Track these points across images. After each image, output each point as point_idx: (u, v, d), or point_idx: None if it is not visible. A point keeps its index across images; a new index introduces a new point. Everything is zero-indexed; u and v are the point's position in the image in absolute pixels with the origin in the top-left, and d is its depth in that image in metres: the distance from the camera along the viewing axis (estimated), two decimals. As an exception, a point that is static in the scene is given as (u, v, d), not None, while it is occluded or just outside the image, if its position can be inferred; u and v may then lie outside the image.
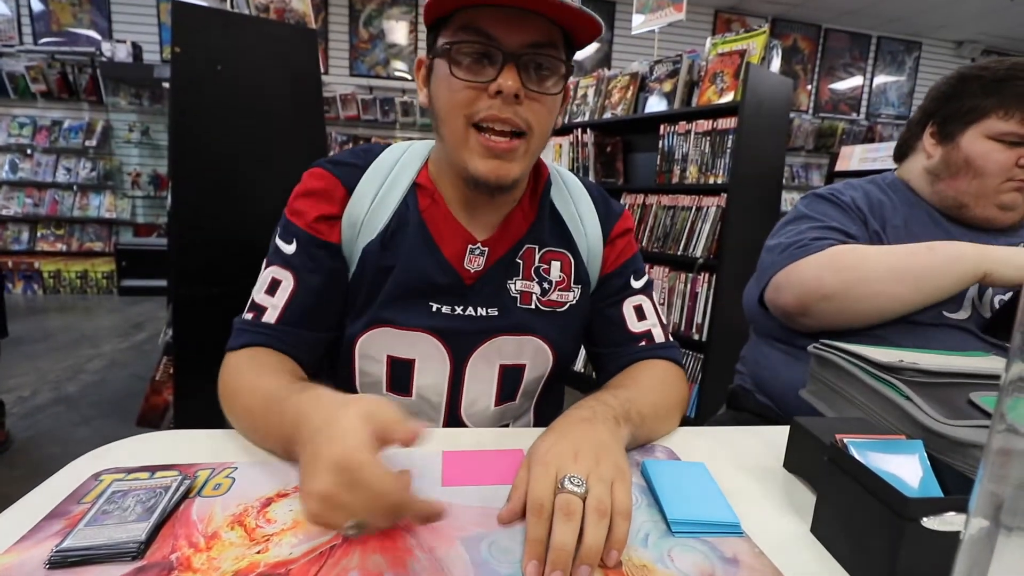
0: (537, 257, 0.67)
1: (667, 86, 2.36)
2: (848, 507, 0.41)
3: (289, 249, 0.62)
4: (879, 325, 0.78)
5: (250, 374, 0.57)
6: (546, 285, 0.67)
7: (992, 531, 0.20)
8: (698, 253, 2.18)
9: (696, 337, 2.24)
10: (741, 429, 0.66)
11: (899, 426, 0.52)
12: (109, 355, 3.00)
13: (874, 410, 0.56)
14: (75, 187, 4.41)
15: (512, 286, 0.66)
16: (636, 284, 0.72)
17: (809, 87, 5.72)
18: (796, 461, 0.55)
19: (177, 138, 1.68)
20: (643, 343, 0.70)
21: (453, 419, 0.68)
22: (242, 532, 0.40)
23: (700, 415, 2.22)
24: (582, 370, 2.63)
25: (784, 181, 4.07)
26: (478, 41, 0.54)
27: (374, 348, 0.64)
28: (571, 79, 0.63)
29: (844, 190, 0.91)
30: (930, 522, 0.35)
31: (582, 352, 0.77)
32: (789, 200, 5.53)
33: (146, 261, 4.35)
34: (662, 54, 2.50)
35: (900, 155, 0.97)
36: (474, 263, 0.64)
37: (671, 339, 0.72)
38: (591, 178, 2.58)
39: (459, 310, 0.64)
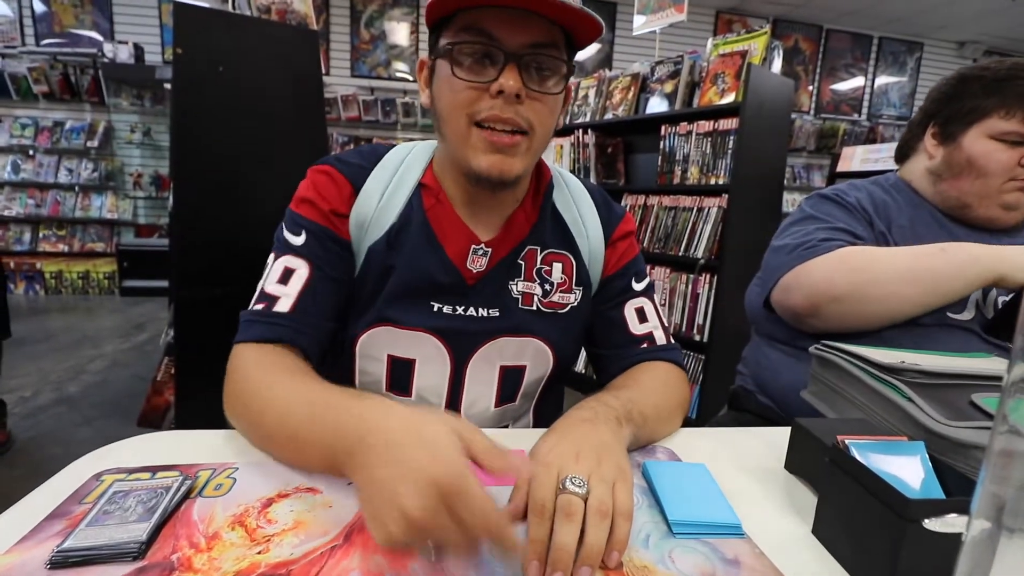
0: (539, 258, 0.67)
1: (668, 87, 2.36)
2: (849, 508, 0.41)
3: (299, 240, 0.61)
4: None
5: (270, 375, 0.53)
6: (548, 287, 0.67)
7: (994, 533, 0.20)
8: (699, 254, 2.18)
9: (697, 338, 2.24)
10: (742, 430, 0.66)
11: (900, 427, 0.52)
12: (111, 355, 3.01)
13: (875, 411, 0.55)
14: (77, 188, 4.42)
15: (514, 287, 0.66)
16: (637, 286, 0.72)
17: (810, 88, 5.72)
18: (797, 462, 0.55)
19: (179, 139, 1.69)
20: (644, 345, 0.70)
21: None
22: (243, 532, 0.40)
23: (701, 416, 2.22)
24: (582, 371, 2.63)
25: (785, 182, 4.06)
26: (479, 41, 0.54)
27: (375, 347, 0.64)
28: (572, 80, 0.63)
29: (849, 191, 0.90)
30: (932, 524, 0.35)
31: (582, 353, 0.77)
32: (790, 201, 5.52)
33: (148, 262, 4.36)
34: (663, 55, 2.50)
35: (901, 156, 0.96)
36: (477, 263, 0.64)
37: (672, 341, 0.72)
38: (592, 179, 2.58)
39: (460, 310, 0.64)
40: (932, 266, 0.73)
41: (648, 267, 1.29)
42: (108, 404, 2.36)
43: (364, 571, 0.37)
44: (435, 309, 0.64)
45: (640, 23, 2.67)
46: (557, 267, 0.68)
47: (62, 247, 4.46)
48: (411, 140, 0.72)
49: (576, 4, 0.52)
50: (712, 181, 2.16)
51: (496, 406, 0.69)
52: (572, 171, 1.06)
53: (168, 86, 3.93)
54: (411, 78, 4.87)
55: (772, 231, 0.94)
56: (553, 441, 0.47)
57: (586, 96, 2.79)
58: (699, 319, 2.23)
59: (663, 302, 2.33)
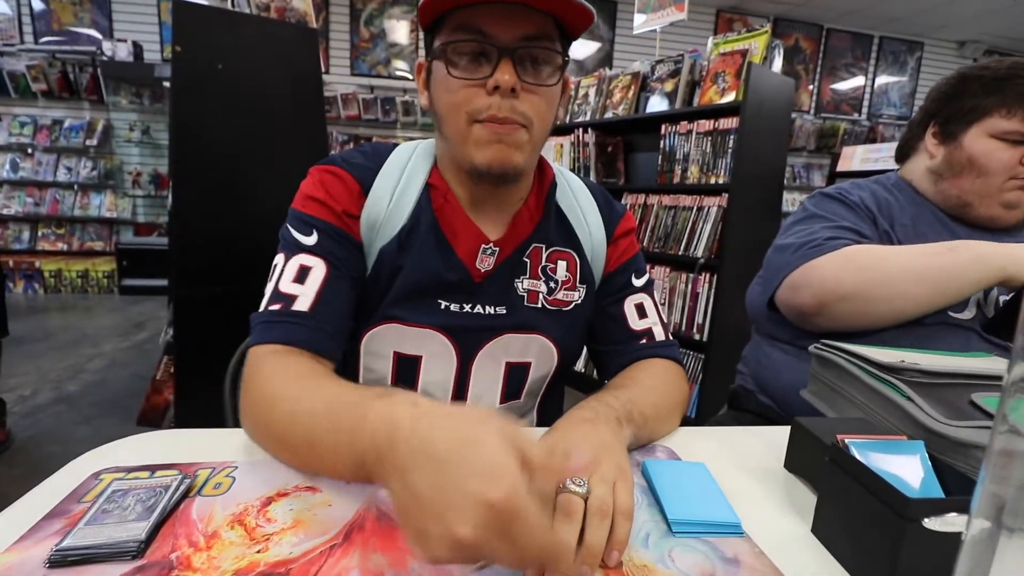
0: (544, 256, 0.68)
1: (668, 86, 2.36)
2: (849, 508, 0.41)
3: (310, 240, 0.60)
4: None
5: (293, 387, 0.49)
6: (552, 284, 0.68)
7: (994, 532, 0.20)
8: (699, 253, 2.18)
9: (697, 337, 2.24)
10: (742, 429, 0.66)
11: (900, 427, 0.52)
12: (110, 354, 3.01)
13: (875, 411, 0.55)
14: (76, 186, 4.42)
15: (519, 285, 0.66)
16: (637, 282, 0.73)
17: (811, 87, 5.71)
18: (797, 461, 0.55)
19: (178, 137, 1.69)
20: (644, 341, 0.71)
21: None
22: (242, 531, 0.40)
23: (701, 415, 2.22)
24: (582, 370, 2.63)
25: (785, 181, 4.06)
26: (472, 39, 0.55)
27: (381, 344, 0.65)
28: (572, 78, 0.63)
29: (851, 190, 0.90)
30: (931, 523, 0.35)
31: (583, 351, 0.78)
32: (791, 200, 5.53)
33: (147, 260, 4.35)
34: (664, 54, 2.50)
35: (902, 156, 0.97)
36: (485, 262, 0.65)
37: (671, 338, 0.73)
38: (592, 178, 2.58)
39: (467, 308, 0.64)
40: (941, 265, 0.73)
41: (648, 266, 1.29)
42: (107, 403, 2.36)
43: (363, 570, 0.37)
44: (442, 307, 0.64)
45: (640, 22, 2.67)
46: (561, 265, 0.68)
47: (61, 246, 4.46)
48: (411, 139, 0.72)
49: None
50: (712, 180, 2.16)
51: (501, 403, 0.69)
52: (572, 170, 1.06)
53: (167, 84, 3.91)
54: (411, 76, 4.86)
55: (772, 230, 0.94)
56: (554, 441, 0.47)
57: (586, 95, 2.79)
58: (699, 318, 2.23)
59: (663, 301, 2.33)
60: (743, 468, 0.55)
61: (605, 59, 5.24)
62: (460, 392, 0.67)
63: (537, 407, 0.75)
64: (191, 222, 1.71)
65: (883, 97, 5.91)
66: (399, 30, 4.83)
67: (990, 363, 0.61)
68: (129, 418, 2.01)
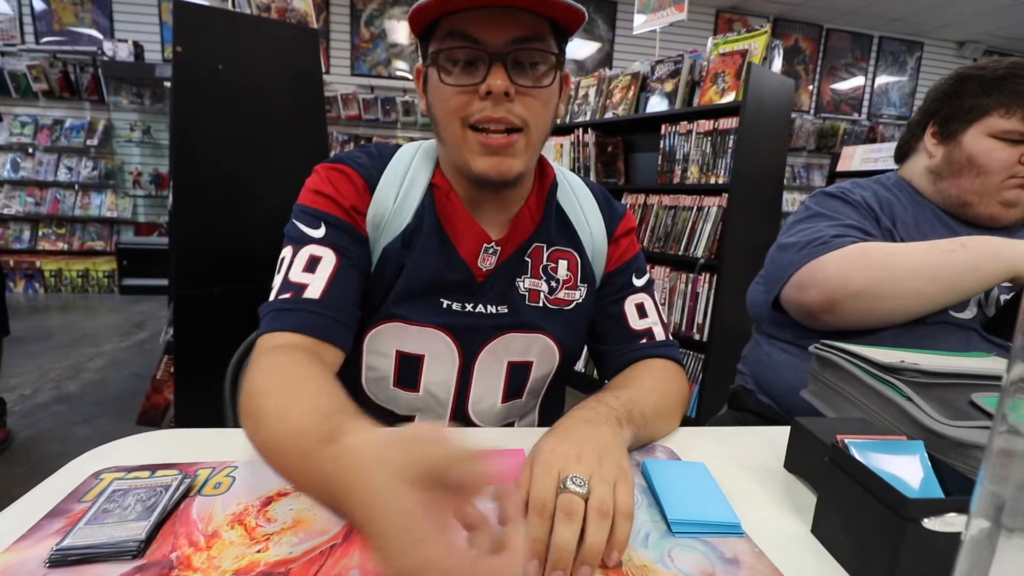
0: (545, 256, 0.68)
1: (668, 86, 2.36)
2: (849, 508, 0.41)
3: (318, 232, 0.60)
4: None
5: (280, 393, 0.44)
6: (553, 283, 0.68)
7: (993, 532, 0.20)
8: (699, 253, 2.18)
9: (697, 337, 2.24)
10: (742, 429, 0.66)
11: (900, 427, 0.52)
12: (110, 354, 3.01)
13: (875, 411, 0.55)
14: (76, 186, 4.42)
15: (521, 284, 0.66)
16: (638, 282, 0.73)
17: (811, 87, 5.71)
18: (797, 461, 0.55)
19: (178, 137, 1.69)
20: (644, 340, 0.71)
21: (460, 415, 0.69)
22: (242, 531, 0.40)
23: (701, 415, 2.22)
24: (582, 369, 2.63)
25: (785, 181, 4.06)
26: (462, 45, 0.54)
27: (383, 343, 0.65)
28: (572, 78, 0.63)
29: (853, 189, 0.90)
30: (931, 523, 0.35)
31: (584, 351, 0.78)
32: (790, 200, 5.53)
33: (147, 260, 4.35)
34: (663, 54, 2.50)
35: (901, 156, 0.97)
36: (487, 262, 0.65)
37: (671, 338, 0.73)
38: (592, 178, 2.57)
39: (470, 307, 0.65)
40: (955, 262, 0.72)
41: (648, 266, 1.30)
42: (107, 402, 2.36)
43: (363, 569, 0.37)
44: (444, 306, 0.64)
45: (640, 22, 2.67)
46: (563, 264, 0.68)
47: (62, 245, 4.46)
48: (411, 139, 0.72)
49: None
50: (712, 180, 2.16)
51: (503, 402, 0.69)
52: (572, 170, 1.06)
53: (168, 84, 3.93)
54: (411, 77, 4.85)
55: (772, 230, 0.94)
56: (555, 441, 0.48)
57: (586, 95, 2.79)
58: (699, 318, 2.23)
59: (663, 301, 2.33)
60: (743, 468, 0.55)
61: (605, 59, 5.24)
62: (462, 390, 0.68)
63: (538, 407, 0.76)
64: (192, 222, 1.71)
65: (883, 97, 5.91)
66: (399, 30, 4.83)
67: (990, 363, 0.61)
68: (129, 418, 2.01)
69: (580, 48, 5.17)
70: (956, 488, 0.42)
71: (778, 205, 2.26)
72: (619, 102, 2.57)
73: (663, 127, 2.31)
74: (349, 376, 0.68)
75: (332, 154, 0.72)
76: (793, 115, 5.33)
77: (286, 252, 0.60)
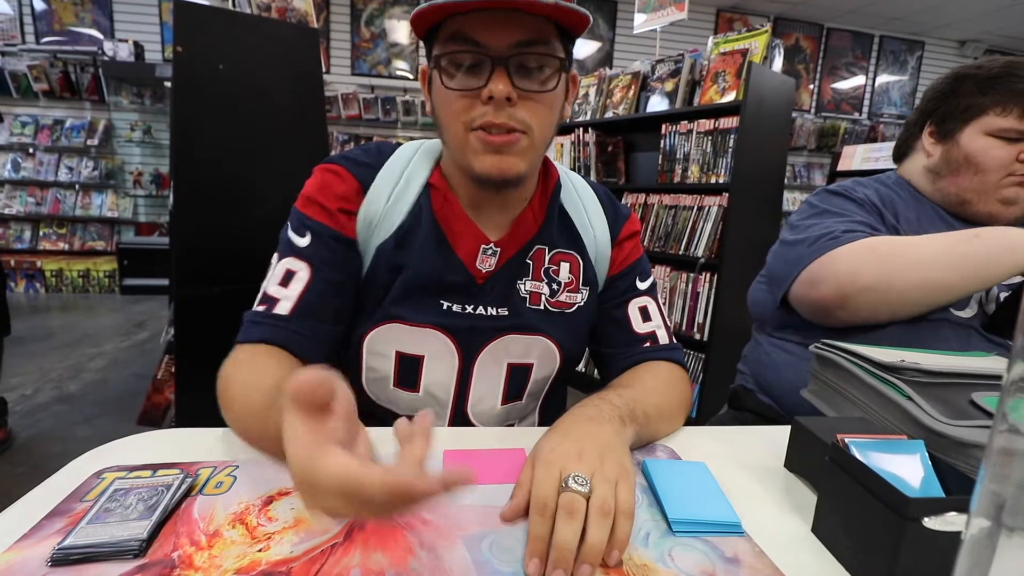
0: (547, 258, 0.67)
1: (669, 85, 2.36)
2: (849, 507, 0.41)
3: (303, 242, 0.61)
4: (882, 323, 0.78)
5: (247, 374, 0.54)
6: (555, 286, 0.68)
7: (993, 531, 0.20)
8: (700, 253, 2.18)
9: (697, 337, 2.24)
10: (742, 429, 0.66)
11: (900, 426, 0.52)
12: (111, 354, 3.01)
13: (875, 410, 0.55)
14: (77, 186, 4.42)
15: (522, 286, 0.66)
16: (641, 285, 0.73)
17: (811, 86, 5.71)
18: (797, 461, 0.55)
19: (179, 137, 1.69)
20: (647, 344, 0.70)
21: (460, 416, 0.69)
22: (243, 530, 0.40)
23: (701, 415, 2.22)
24: (583, 369, 2.63)
25: (786, 181, 4.06)
26: (465, 49, 0.54)
27: (383, 344, 0.65)
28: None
29: (855, 187, 0.90)
30: (931, 522, 0.35)
31: (585, 352, 0.77)
32: (791, 200, 5.52)
33: (148, 260, 4.36)
34: (664, 53, 2.49)
35: (899, 156, 0.97)
36: (486, 263, 0.64)
37: (675, 341, 0.72)
38: (593, 177, 2.57)
39: (470, 309, 0.64)
40: (969, 252, 0.71)
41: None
42: (108, 402, 2.36)
43: (364, 569, 0.37)
44: (444, 308, 0.64)
45: (640, 21, 2.67)
46: (565, 267, 0.68)
47: (62, 245, 4.46)
48: (412, 138, 0.72)
49: None
50: (712, 180, 2.16)
51: (503, 403, 0.69)
52: (573, 170, 1.06)
53: (168, 84, 3.93)
54: (411, 76, 4.87)
55: (773, 230, 0.94)
56: (556, 440, 0.48)
57: (586, 95, 2.79)
58: (699, 318, 2.23)
59: (664, 301, 2.33)
60: (743, 467, 0.55)
61: (605, 59, 5.23)
62: (462, 392, 0.67)
63: (539, 408, 0.75)
64: (192, 222, 1.71)
65: (884, 96, 5.91)
66: (400, 30, 4.82)
67: (990, 362, 0.61)
68: (130, 418, 2.01)
69: (580, 47, 5.17)
70: (956, 487, 0.42)
71: (779, 205, 2.26)
72: (619, 101, 2.57)
73: (663, 126, 2.31)
74: (350, 377, 0.68)
75: (332, 153, 0.72)
76: (794, 114, 5.33)
77: (273, 259, 0.63)
